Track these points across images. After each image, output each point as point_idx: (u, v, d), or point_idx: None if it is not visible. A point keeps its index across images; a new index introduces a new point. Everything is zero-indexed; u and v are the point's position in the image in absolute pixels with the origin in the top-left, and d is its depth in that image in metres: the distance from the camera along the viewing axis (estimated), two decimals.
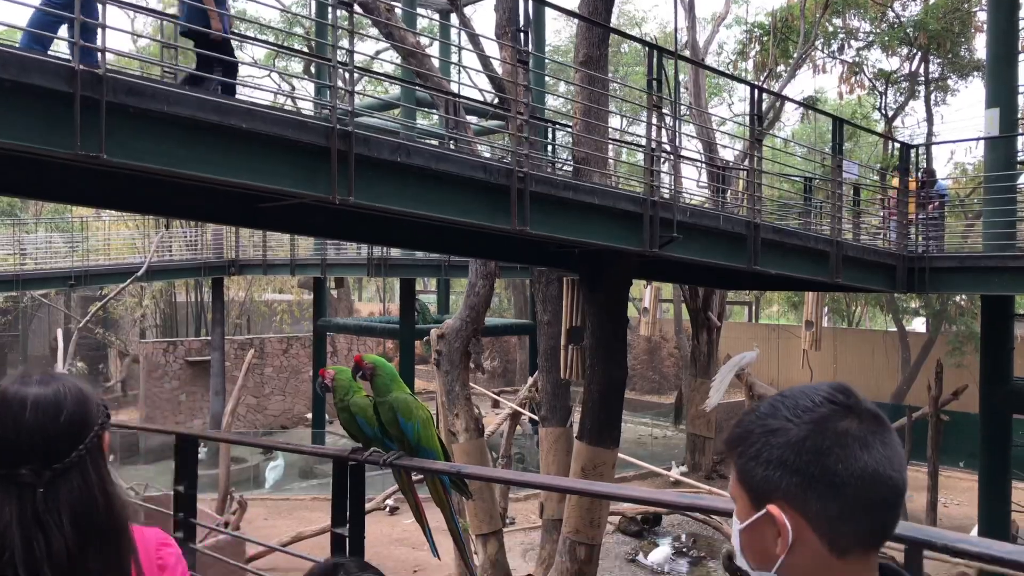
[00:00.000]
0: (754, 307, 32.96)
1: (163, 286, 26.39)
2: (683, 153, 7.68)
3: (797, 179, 10.70)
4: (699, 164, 15.70)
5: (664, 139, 6.13)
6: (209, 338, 21.47)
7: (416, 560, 12.28)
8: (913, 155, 8.69)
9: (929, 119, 22.58)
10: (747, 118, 7.88)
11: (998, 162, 8.97)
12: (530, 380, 11.53)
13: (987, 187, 8.78)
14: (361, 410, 3.29)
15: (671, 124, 6.29)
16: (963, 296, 20.01)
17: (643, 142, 6.56)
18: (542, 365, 9.06)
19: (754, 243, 6.37)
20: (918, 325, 26.29)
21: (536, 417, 10.93)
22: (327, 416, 20.00)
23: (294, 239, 18.00)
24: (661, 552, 12.54)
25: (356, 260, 16.77)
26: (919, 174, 10.90)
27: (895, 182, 9.97)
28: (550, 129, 9.59)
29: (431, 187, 4.74)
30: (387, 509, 13.79)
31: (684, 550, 12.89)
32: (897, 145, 10.08)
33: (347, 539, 3.24)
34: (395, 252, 16.40)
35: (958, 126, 39.75)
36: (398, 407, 3.20)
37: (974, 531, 11.93)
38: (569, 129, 8.82)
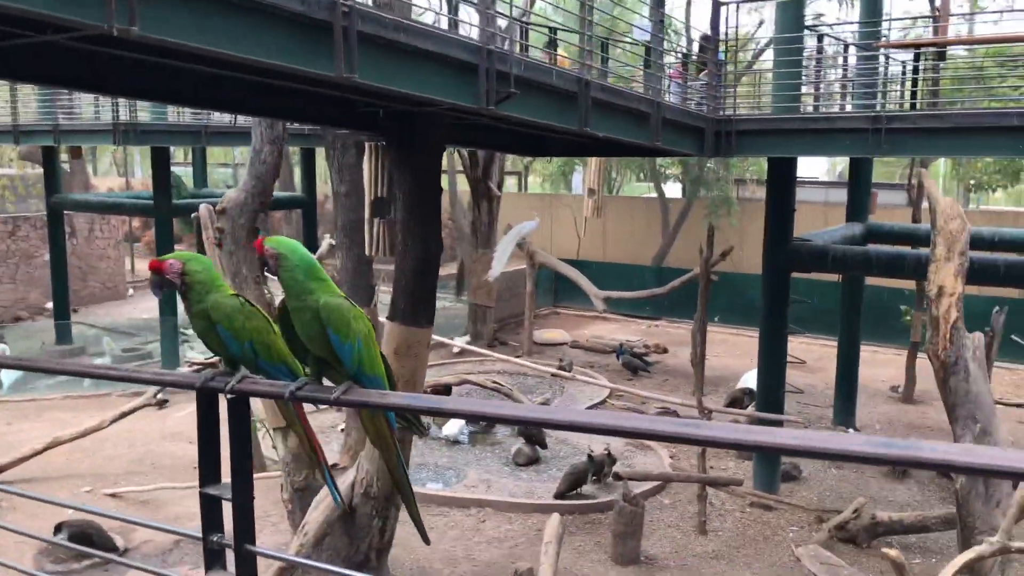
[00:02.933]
0: (524, 177, 33.31)
1: None
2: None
3: (630, 41, 10.33)
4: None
5: None
6: None
7: (194, 457, 11.36)
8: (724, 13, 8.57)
9: None
10: None
11: (788, 23, 9.08)
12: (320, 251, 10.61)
13: (777, 49, 8.88)
14: (226, 317, 2.42)
15: None
16: (718, 164, 21.18)
17: None
18: (340, 241, 8.26)
19: (585, 102, 5.89)
20: (673, 191, 27.66)
21: None
22: (73, 306, 17.83)
23: (14, 98, 15.19)
24: (454, 424, 12.48)
25: (97, 126, 14.51)
26: (699, 40, 10.91)
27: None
28: None
29: (235, 20, 3.76)
30: (157, 404, 12.55)
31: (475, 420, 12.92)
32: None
33: (224, 503, 2.31)
34: (144, 116, 14.39)
35: None
36: (329, 317, 2.30)
37: (748, 375, 12.88)
38: None
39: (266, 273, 2.51)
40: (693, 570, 8.81)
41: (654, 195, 25.31)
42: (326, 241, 10.41)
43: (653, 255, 23.28)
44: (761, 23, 21.52)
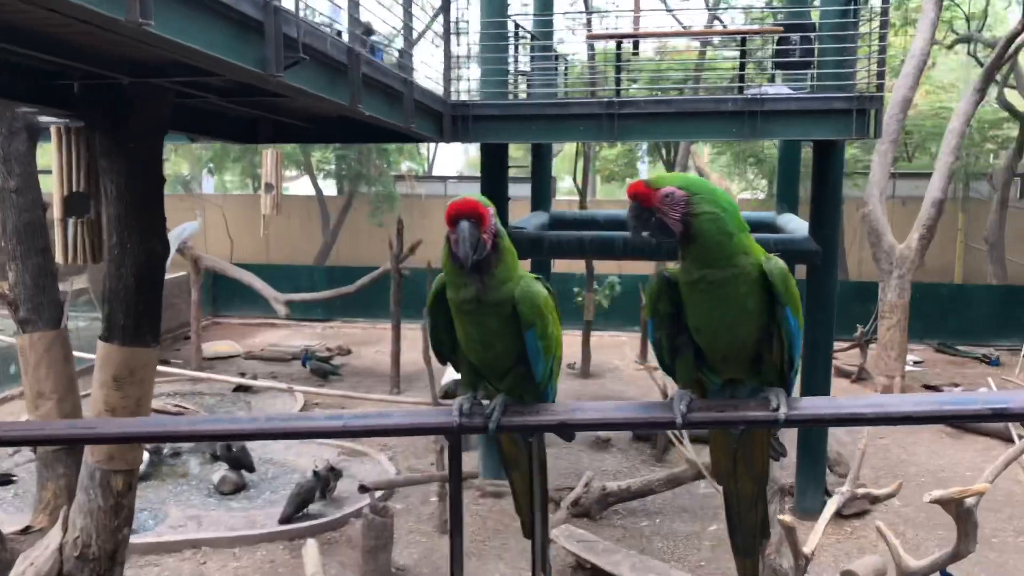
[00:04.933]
0: None
1: None
2: None
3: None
4: None
5: None
6: None
7: None
8: None
9: None
10: None
11: (492, 7, 9.05)
12: None
13: (484, 34, 8.82)
14: (540, 317, 1.59)
15: None
16: (380, 159, 21.00)
17: None
18: (13, 250, 6.62)
19: (356, 76, 5.23)
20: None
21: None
22: None
23: None
24: None
25: None
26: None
27: None
28: None
29: None
30: None
31: None
32: None
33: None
34: None
35: None
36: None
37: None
38: None
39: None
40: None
41: (309, 192, 24.33)
42: None
43: (315, 254, 22.44)
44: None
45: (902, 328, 14.90)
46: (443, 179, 25.19)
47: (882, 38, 7.35)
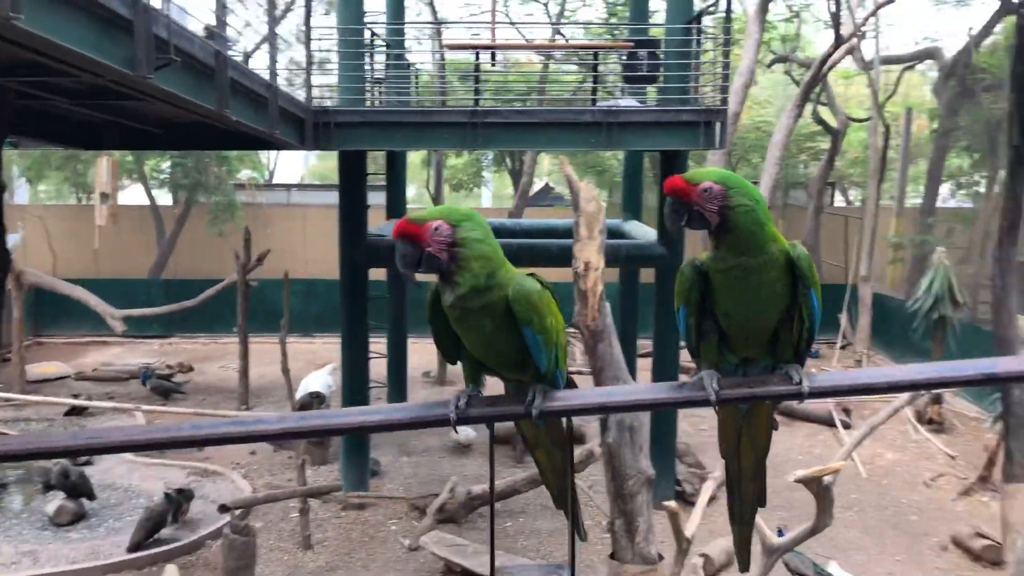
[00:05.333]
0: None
1: None
2: None
3: None
4: None
5: None
6: None
7: None
8: None
9: None
10: None
11: (350, 16, 8.98)
12: None
13: (341, 40, 8.73)
14: (536, 312, 1.62)
15: None
16: (219, 167, 20.24)
17: None
18: None
19: (224, 79, 5.08)
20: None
21: None
22: None
23: None
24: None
25: None
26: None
27: None
28: None
29: None
30: None
31: None
32: None
33: None
34: None
35: None
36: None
37: (309, 380, 12.48)
38: None
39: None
40: None
41: (141, 201, 23.02)
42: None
43: (150, 267, 21.28)
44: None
45: None
46: (287, 187, 24.56)
47: (725, 55, 7.89)
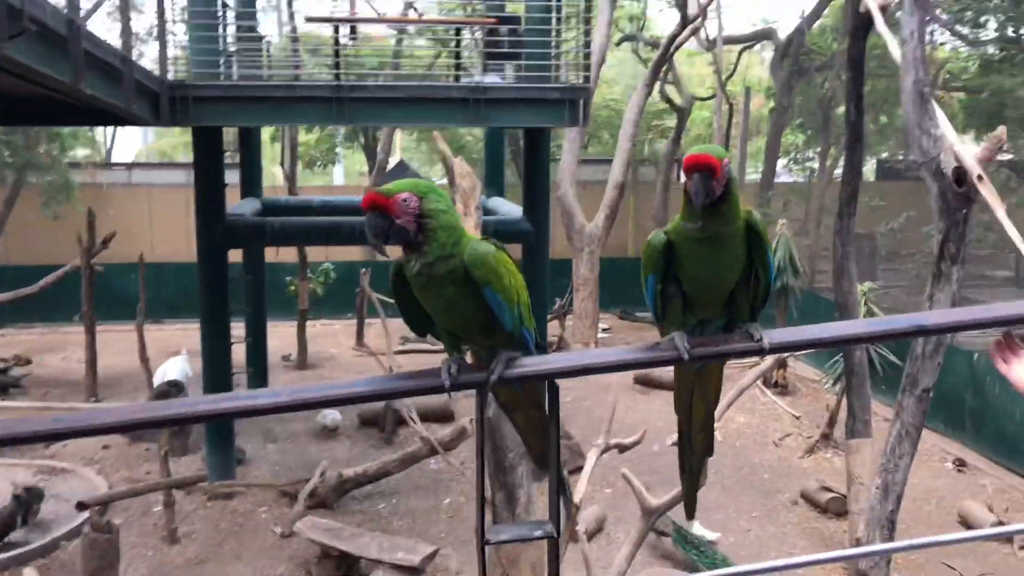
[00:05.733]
0: None
1: None
2: None
3: None
4: None
5: None
6: None
7: None
8: None
9: None
10: None
11: None
12: None
13: (191, 10, 8.29)
14: (495, 275, 1.66)
15: None
16: (50, 145, 18.85)
17: None
18: None
19: (77, 50, 4.74)
20: None
21: None
22: None
23: None
24: None
25: None
26: None
27: None
28: None
29: None
30: None
31: None
32: None
33: None
34: None
35: None
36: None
37: (166, 368, 11.89)
38: None
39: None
40: None
41: None
42: None
43: None
44: None
45: (594, 299, 16.40)
46: (127, 166, 23.16)
47: (587, 33, 8.06)
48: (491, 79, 8.75)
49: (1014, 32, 18.87)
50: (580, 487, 5.09)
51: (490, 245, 1.68)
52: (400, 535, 8.79)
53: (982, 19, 19.34)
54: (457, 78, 9.02)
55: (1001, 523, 8.58)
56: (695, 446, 2.01)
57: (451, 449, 9.77)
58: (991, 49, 19.65)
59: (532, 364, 1.64)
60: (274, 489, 9.88)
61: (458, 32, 9.57)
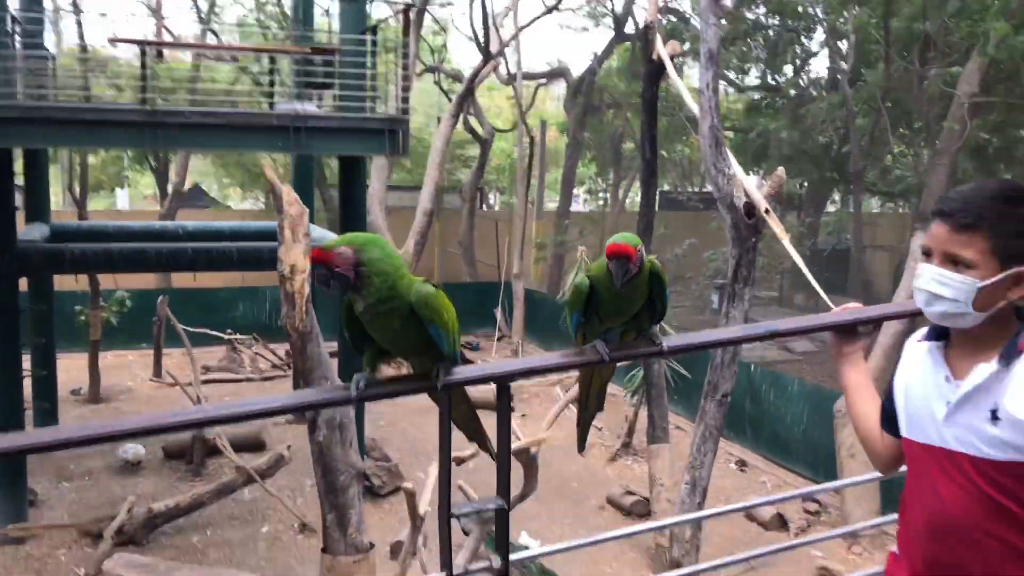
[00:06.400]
0: None
1: None
2: None
3: None
4: None
5: None
6: None
7: None
8: None
9: None
10: None
11: None
12: None
13: None
14: (437, 312, 1.97)
15: None
16: None
17: None
18: None
19: None
20: None
21: None
22: None
23: None
24: None
25: None
26: None
27: None
28: None
29: None
30: None
31: None
32: None
33: None
34: None
35: None
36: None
37: None
38: None
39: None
40: None
41: None
42: None
43: None
44: None
45: None
46: None
47: (405, 67, 8.38)
48: (307, 107, 8.87)
49: (773, 80, 21.27)
50: (424, 499, 5.35)
51: (431, 287, 2.00)
52: (219, 566, 8.59)
53: (746, 67, 21.66)
54: (271, 105, 9.03)
55: (779, 515, 9.85)
56: (591, 408, 2.52)
57: (267, 477, 9.67)
58: (755, 95, 22.03)
59: (477, 370, 2.00)
60: (73, 529, 9.32)
61: (272, 60, 9.58)
